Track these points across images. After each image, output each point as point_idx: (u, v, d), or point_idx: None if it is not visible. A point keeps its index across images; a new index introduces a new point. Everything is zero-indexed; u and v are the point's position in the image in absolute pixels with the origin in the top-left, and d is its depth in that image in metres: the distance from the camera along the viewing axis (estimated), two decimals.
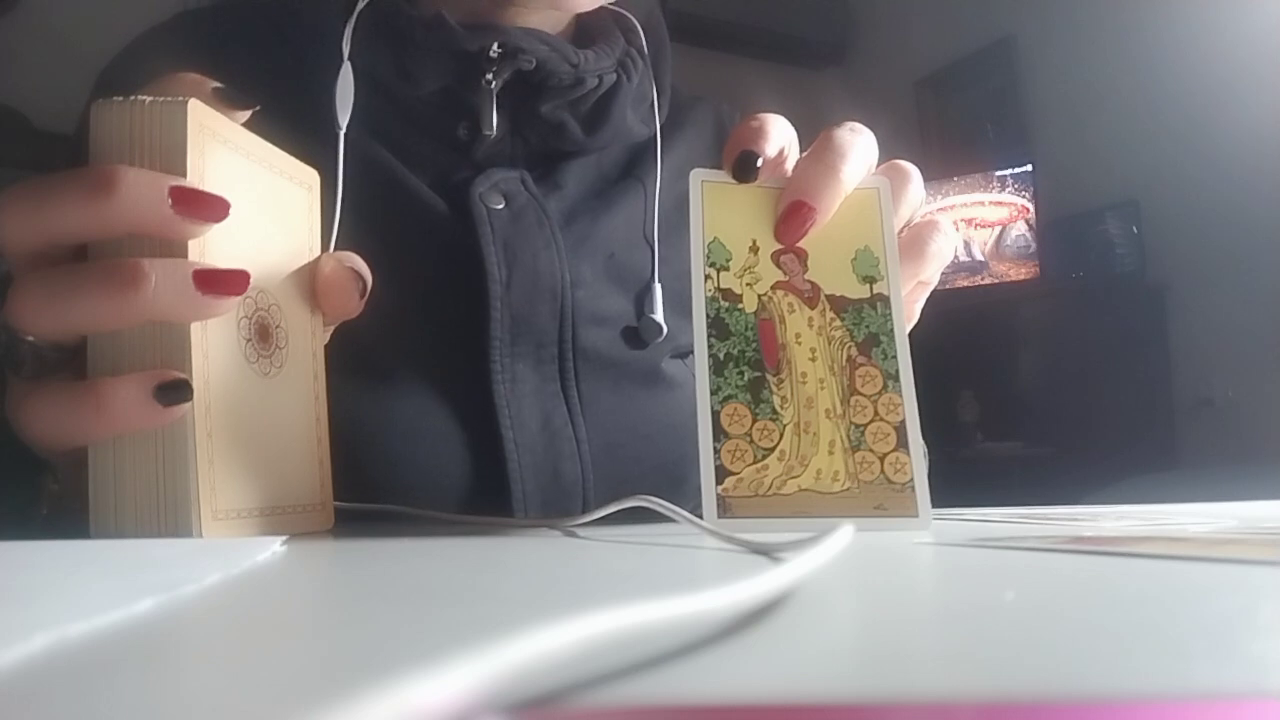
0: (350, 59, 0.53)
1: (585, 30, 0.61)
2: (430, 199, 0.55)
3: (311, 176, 0.40)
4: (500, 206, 0.55)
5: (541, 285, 0.54)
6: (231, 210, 0.32)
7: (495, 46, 0.52)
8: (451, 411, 0.53)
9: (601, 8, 0.59)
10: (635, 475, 0.57)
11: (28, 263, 0.31)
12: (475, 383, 0.53)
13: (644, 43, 0.61)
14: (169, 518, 0.30)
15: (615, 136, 0.60)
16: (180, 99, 0.31)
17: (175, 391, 0.30)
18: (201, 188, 0.31)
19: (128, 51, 0.58)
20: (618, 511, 0.38)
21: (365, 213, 0.50)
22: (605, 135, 0.59)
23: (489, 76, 0.53)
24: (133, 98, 0.32)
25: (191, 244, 0.31)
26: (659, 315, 0.58)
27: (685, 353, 0.62)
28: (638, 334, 0.58)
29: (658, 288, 0.58)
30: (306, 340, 0.38)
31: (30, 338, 0.31)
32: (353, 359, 0.43)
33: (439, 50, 0.53)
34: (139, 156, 0.31)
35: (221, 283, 0.31)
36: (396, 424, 0.52)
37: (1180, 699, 0.10)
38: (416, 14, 0.54)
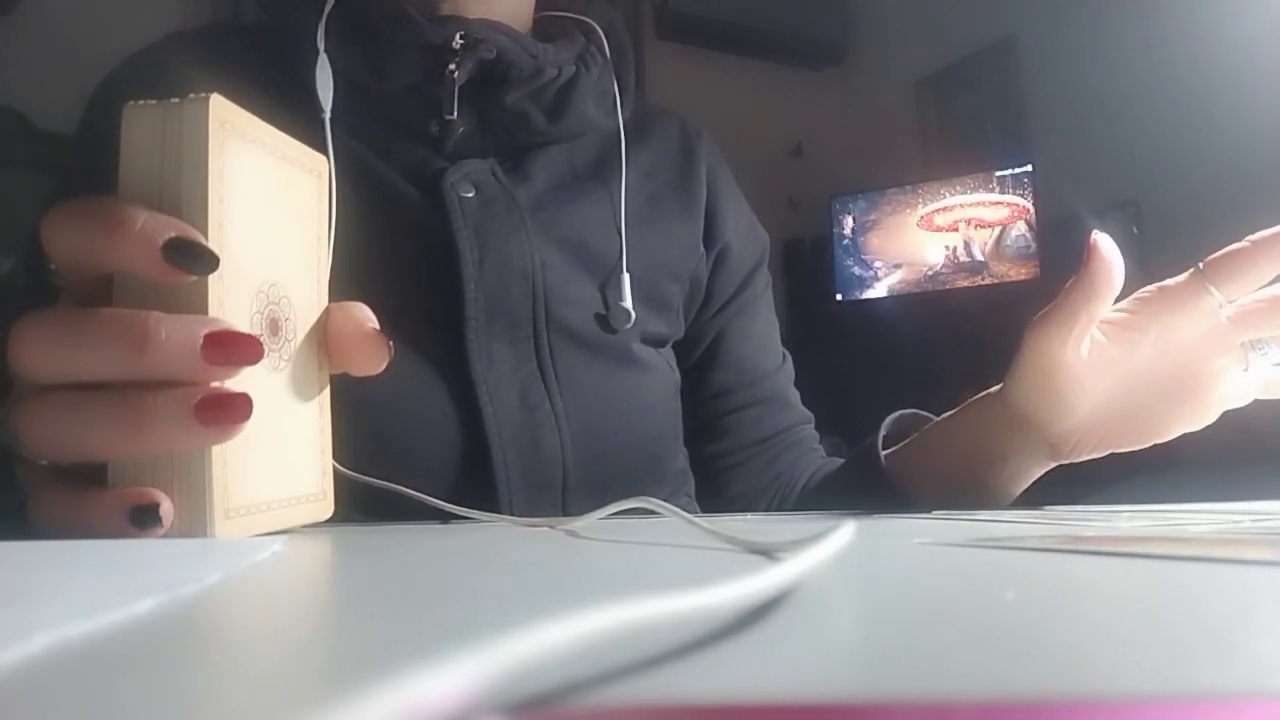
0: (326, 56, 0.55)
1: (546, 32, 0.65)
2: (404, 190, 0.57)
3: (321, 163, 0.40)
4: (471, 195, 0.57)
5: (513, 267, 0.57)
6: (248, 206, 0.33)
7: (458, 38, 0.55)
8: (434, 391, 0.54)
9: (565, 16, 0.63)
10: (613, 451, 0.59)
11: (41, 389, 0.31)
12: (455, 363, 0.55)
13: (604, 43, 0.64)
14: (183, 519, 0.31)
15: (579, 126, 0.63)
16: (203, 95, 0.31)
17: (147, 515, 0.30)
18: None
19: (121, 69, 0.60)
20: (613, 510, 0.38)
21: (344, 206, 0.52)
22: (568, 125, 0.62)
23: (452, 67, 0.56)
24: (166, 101, 0.31)
25: (210, 240, 0.31)
26: (627, 302, 0.60)
27: (655, 339, 0.64)
28: (608, 320, 0.61)
29: (625, 277, 0.61)
30: (313, 331, 0.38)
31: (44, 462, 0.32)
32: None
33: (406, 44, 0.56)
34: (167, 158, 0.31)
35: (224, 412, 0.30)
36: (382, 404, 0.53)
37: (1181, 699, 0.10)
38: (382, 11, 0.56)
